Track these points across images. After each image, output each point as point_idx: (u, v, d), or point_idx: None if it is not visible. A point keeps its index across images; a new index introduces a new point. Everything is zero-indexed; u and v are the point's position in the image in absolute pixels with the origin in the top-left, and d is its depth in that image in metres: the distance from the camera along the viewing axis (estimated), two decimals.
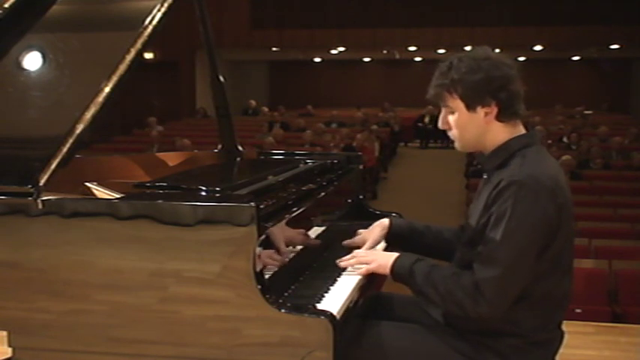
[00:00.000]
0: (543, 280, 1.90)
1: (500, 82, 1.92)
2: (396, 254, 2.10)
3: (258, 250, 1.87)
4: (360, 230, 2.45)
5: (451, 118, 2.01)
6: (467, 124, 1.98)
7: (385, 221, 2.39)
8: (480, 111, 1.95)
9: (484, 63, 1.93)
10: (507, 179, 1.87)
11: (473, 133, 1.99)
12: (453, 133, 2.03)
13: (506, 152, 1.96)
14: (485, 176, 2.07)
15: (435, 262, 2.06)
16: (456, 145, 2.06)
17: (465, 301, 1.88)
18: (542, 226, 1.84)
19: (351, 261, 2.18)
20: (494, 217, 1.87)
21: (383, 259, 2.11)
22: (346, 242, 2.43)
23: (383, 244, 2.45)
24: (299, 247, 2.27)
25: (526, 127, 2.04)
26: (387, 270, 2.08)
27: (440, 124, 2.06)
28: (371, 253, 2.21)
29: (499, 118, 1.96)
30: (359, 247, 2.34)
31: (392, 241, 2.39)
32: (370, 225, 2.43)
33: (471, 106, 1.95)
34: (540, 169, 1.90)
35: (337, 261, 2.20)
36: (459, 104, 1.96)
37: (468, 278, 1.88)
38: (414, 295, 2.04)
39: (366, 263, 2.15)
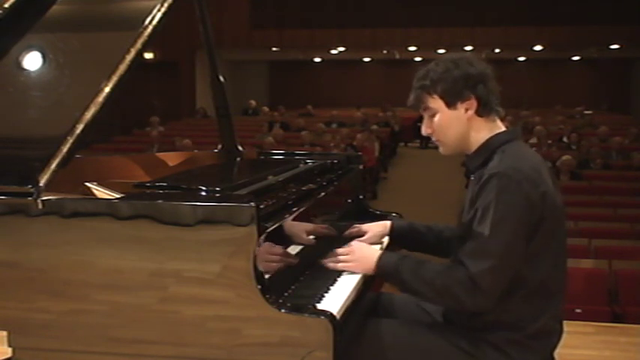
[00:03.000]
0: (533, 269, 1.92)
1: (477, 77, 1.99)
2: (378, 252, 2.13)
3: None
4: (360, 225, 2.50)
5: (434, 120, 2.04)
6: (450, 123, 2.02)
7: (387, 223, 2.46)
8: (461, 107, 2.00)
9: (460, 61, 2.00)
10: (488, 173, 1.92)
11: (456, 132, 2.03)
12: (436, 137, 2.07)
13: (488, 150, 2.00)
14: (472, 177, 2.09)
15: (425, 258, 2.08)
16: (441, 149, 2.09)
17: (462, 295, 1.90)
18: (527, 213, 1.87)
19: (338, 265, 2.19)
20: (480, 211, 1.91)
21: (366, 262, 2.13)
22: (347, 233, 2.50)
23: (387, 240, 2.49)
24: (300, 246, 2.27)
25: (506, 125, 2.07)
26: (371, 271, 2.11)
27: (423, 130, 2.10)
28: (353, 253, 2.19)
29: (479, 112, 2.00)
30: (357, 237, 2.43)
31: (394, 242, 2.43)
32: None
33: (451, 103, 2.00)
34: (520, 160, 1.93)
35: (323, 261, 2.23)
36: (439, 104, 2.02)
37: (463, 273, 1.90)
38: (402, 290, 2.06)
39: (349, 265, 2.17)
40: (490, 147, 2.00)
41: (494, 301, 1.91)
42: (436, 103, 2.02)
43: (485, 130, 2.02)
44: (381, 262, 2.08)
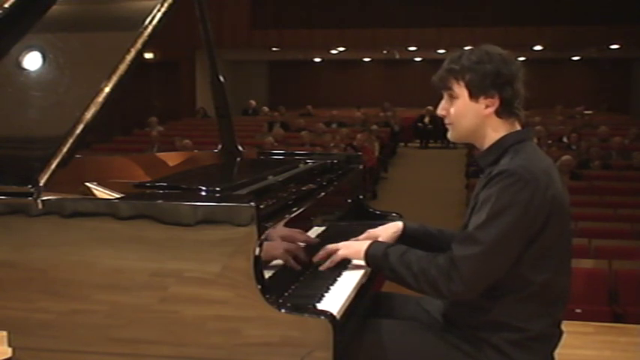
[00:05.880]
0: (538, 273, 1.91)
1: (507, 78, 1.96)
2: (368, 242, 2.14)
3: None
4: (370, 230, 2.42)
5: (452, 106, 2.03)
6: (466, 113, 2.01)
7: (399, 224, 2.39)
8: (482, 102, 1.98)
9: (495, 57, 1.98)
10: (498, 169, 1.91)
11: (470, 123, 2.02)
12: (449, 120, 2.06)
13: (500, 149, 1.99)
14: (481, 176, 2.08)
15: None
16: (450, 133, 2.09)
17: (439, 279, 1.89)
18: (527, 214, 1.85)
19: (321, 253, 2.21)
20: (480, 201, 1.91)
21: (356, 246, 2.16)
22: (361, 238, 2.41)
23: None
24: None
25: (522, 127, 2.06)
26: (360, 255, 2.12)
27: (439, 110, 2.08)
28: (342, 243, 2.22)
29: (499, 113, 1.99)
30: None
31: (406, 244, 2.38)
32: (373, 224, 2.45)
33: (474, 95, 1.99)
34: (532, 161, 1.92)
35: (313, 259, 2.23)
36: (463, 91, 2.00)
37: (444, 256, 1.91)
38: (388, 277, 2.06)
39: (342, 256, 2.18)
40: (503, 145, 1.99)
41: (472, 292, 1.90)
42: (460, 89, 2.00)
43: (500, 130, 2.00)
44: (370, 249, 2.10)
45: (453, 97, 2.03)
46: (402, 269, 1.98)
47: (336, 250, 2.20)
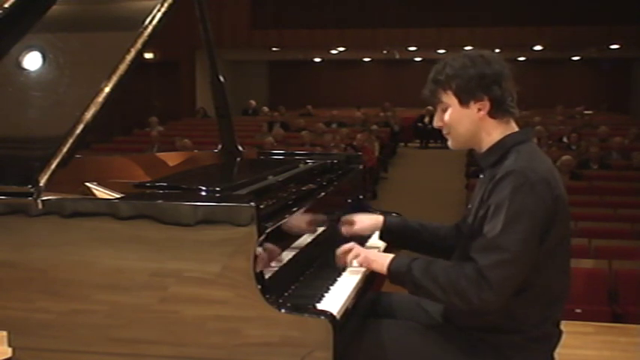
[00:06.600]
0: (540, 274, 1.91)
1: (492, 78, 1.96)
2: (392, 255, 2.11)
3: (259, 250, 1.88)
4: (346, 216, 2.47)
5: (445, 116, 2.03)
6: (460, 120, 2.00)
7: (380, 218, 2.42)
8: (473, 106, 1.98)
9: (477, 60, 1.97)
10: (503, 171, 1.90)
11: (466, 129, 2.01)
12: (446, 131, 2.06)
13: (502, 149, 1.99)
14: (481, 176, 2.08)
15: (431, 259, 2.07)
16: (449, 142, 2.08)
17: (469, 289, 1.85)
18: (541, 214, 1.85)
19: (350, 257, 2.20)
20: (493, 207, 1.89)
21: (380, 259, 2.12)
22: (344, 230, 2.45)
23: (383, 245, 2.47)
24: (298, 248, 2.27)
25: (519, 126, 2.05)
26: (383, 269, 2.08)
27: (435, 123, 2.09)
28: (365, 251, 2.21)
29: (492, 114, 1.98)
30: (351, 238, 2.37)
31: (386, 238, 2.41)
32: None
33: (464, 101, 1.98)
34: (535, 161, 1.92)
35: (337, 263, 2.22)
36: (452, 100, 2.00)
37: (470, 267, 1.87)
38: (412, 292, 2.02)
39: (364, 262, 2.16)
40: (504, 146, 1.98)
41: (502, 299, 1.86)
42: (449, 98, 2.00)
43: (497, 131, 2.00)
44: (393, 265, 2.05)
45: (444, 108, 2.03)
46: (429, 283, 1.94)
47: (357, 254, 2.18)
